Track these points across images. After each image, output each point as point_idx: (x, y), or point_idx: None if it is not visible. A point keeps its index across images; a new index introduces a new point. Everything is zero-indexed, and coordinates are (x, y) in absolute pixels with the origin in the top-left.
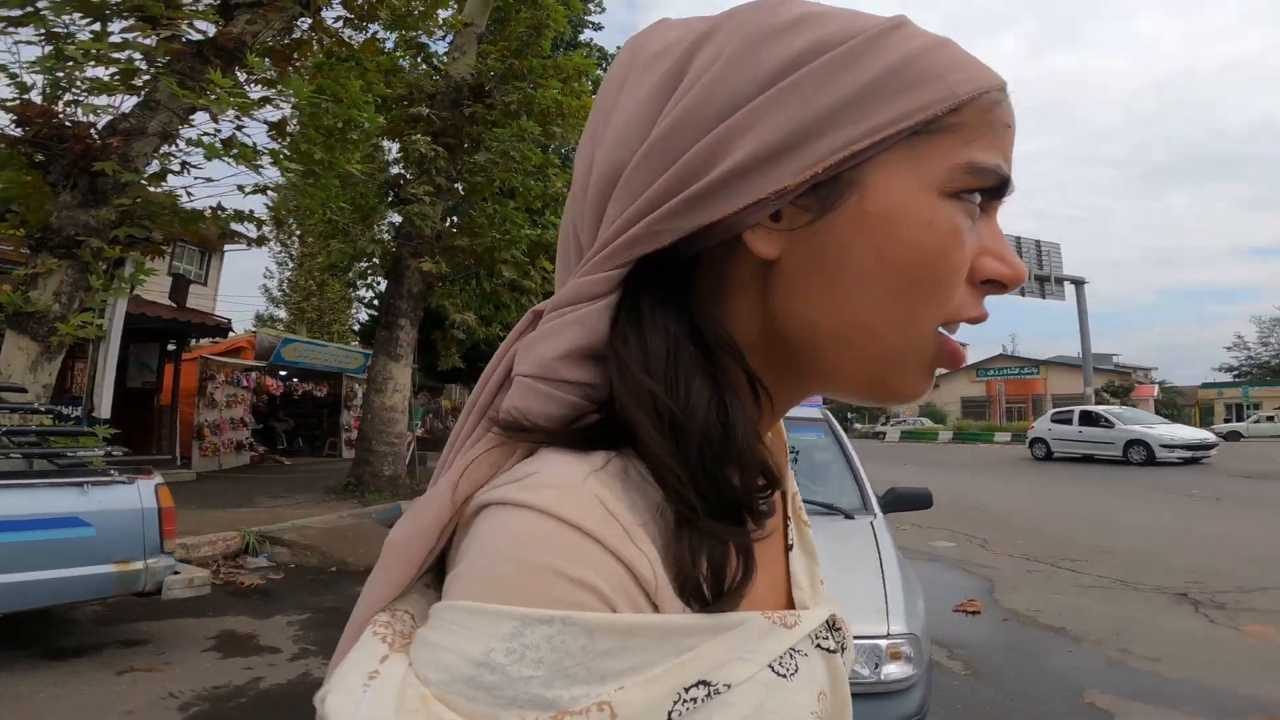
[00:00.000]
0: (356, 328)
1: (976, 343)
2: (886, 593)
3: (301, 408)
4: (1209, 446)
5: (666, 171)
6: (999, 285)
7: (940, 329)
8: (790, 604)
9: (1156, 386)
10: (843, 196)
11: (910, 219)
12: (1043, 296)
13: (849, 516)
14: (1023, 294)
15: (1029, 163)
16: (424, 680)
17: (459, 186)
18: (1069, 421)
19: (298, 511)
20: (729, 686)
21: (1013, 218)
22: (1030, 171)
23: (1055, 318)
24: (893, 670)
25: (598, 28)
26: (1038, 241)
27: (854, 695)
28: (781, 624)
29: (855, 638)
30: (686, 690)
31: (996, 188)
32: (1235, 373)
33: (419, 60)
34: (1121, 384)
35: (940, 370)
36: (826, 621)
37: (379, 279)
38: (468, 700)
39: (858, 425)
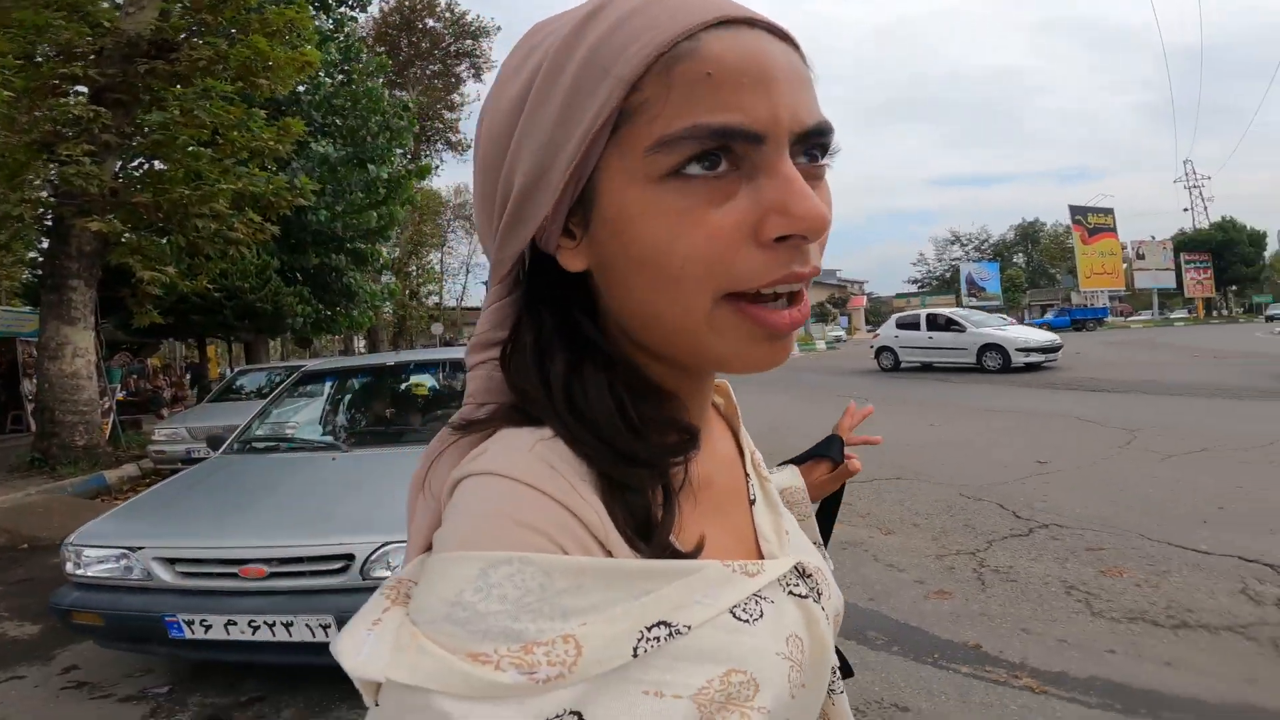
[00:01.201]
0: (20, 289)
1: None
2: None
3: None
4: (1056, 349)
5: (489, 210)
6: (798, 237)
7: (747, 300)
8: (759, 556)
9: (866, 298)
10: (593, 207)
11: (632, 215)
12: None
13: None
14: None
15: None
16: (414, 623)
17: (138, 143)
18: (916, 326)
19: None
20: (689, 628)
21: None
22: None
23: None
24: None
25: None
26: None
27: (343, 593)
28: (743, 572)
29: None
30: (649, 629)
31: (740, 137)
32: (919, 284)
33: (75, 18)
34: (841, 296)
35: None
36: (796, 569)
37: (39, 239)
38: (449, 636)
39: None
